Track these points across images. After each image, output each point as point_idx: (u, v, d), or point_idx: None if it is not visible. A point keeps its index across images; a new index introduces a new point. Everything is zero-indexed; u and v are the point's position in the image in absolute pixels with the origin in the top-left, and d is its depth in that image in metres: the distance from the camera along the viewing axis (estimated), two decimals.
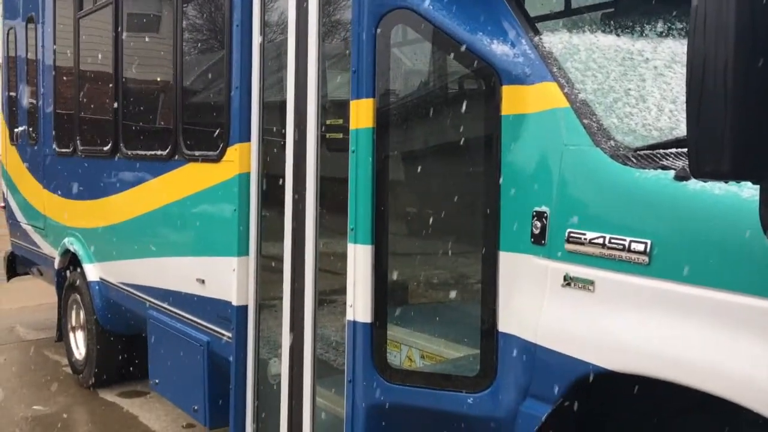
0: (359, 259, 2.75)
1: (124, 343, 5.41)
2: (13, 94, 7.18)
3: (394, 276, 2.79)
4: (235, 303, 3.56)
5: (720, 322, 1.91)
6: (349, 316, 2.79)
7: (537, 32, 2.62)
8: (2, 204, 7.76)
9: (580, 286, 2.30)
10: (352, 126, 2.77)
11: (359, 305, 2.75)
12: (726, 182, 1.48)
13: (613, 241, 2.21)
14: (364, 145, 2.73)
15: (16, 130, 6.99)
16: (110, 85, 4.91)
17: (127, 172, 4.78)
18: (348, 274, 2.80)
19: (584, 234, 2.28)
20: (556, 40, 2.62)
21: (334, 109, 3.18)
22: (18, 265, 7.39)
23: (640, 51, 2.70)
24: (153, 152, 4.39)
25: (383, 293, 2.73)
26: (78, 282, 5.63)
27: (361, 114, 2.73)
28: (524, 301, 2.46)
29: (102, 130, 5.11)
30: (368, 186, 2.72)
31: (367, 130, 2.72)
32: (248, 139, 3.52)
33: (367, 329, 2.75)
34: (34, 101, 6.46)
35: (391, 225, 2.75)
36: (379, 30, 2.69)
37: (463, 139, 2.70)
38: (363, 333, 2.75)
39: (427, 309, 3.02)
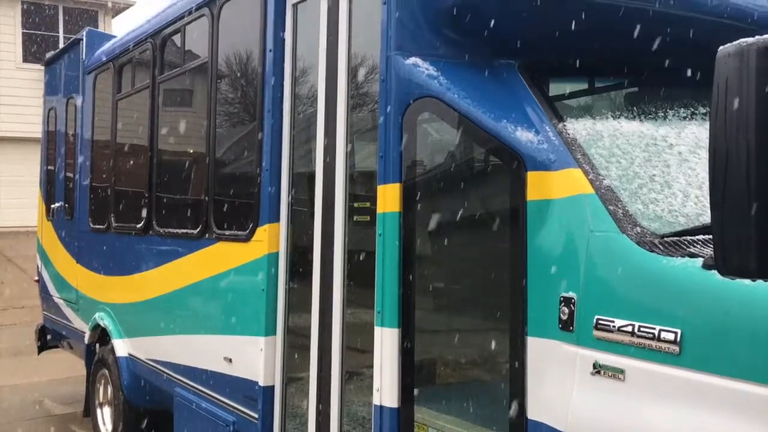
0: (386, 342, 2.74)
1: (151, 420, 5.38)
2: (51, 167, 7.43)
3: (422, 360, 2.77)
4: (261, 383, 3.56)
5: (753, 416, 1.86)
6: (376, 400, 2.77)
7: (560, 119, 2.67)
8: (36, 278, 7.91)
9: (610, 374, 2.27)
10: (379, 210, 2.82)
11: (386, 390, 2.74)
12: (754, 280, 1.47)
13: (642, 329, 2.18)
14: (391, 229, 2.77)
15: (52, 206, 7.19)
16: (144, 165, 5.06)
17: (158, 249, 4.87)
18: (375, 357, 2.79)
19: (613, 321, 2.26)
20: (579, 127, 2.66)
21: (362, 181, 3.22)
22: (49, 338, 7.47)
23: (663, 136, 2.73)
24: (184, 230, 4.48)
25: (410, 378, 2.72)
26: (107, 357, 5.66)
27: (388, 198, 2.78)
28: (554, 388, 2.42)
29: (136, 207, 5.24)
30: (395, 269, 2.74)
31: (394, 215, 2.76)
32: (277, 220, 3.59)
33: (393, 414, 2.72)
34: (72, 175, 6.67)
35: (418, 308, 2.75)
36: (405, 117, 2.76)
37: (489, 224, 2.73)
38: (390, 418, 2.72)
39: (455, 392, 2.98)
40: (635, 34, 2.88)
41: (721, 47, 1.49)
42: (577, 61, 2.90)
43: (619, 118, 2.78)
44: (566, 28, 2.81)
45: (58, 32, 23.58)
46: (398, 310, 2.73)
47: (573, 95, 3.04)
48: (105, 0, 24.81)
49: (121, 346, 5.42)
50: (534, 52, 2.84)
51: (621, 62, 2.97)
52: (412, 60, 2.79)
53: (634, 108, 2.89)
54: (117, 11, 25.05)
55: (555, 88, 2.92)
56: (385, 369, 2.74)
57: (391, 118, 2.79)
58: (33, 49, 22.31)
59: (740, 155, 1.41)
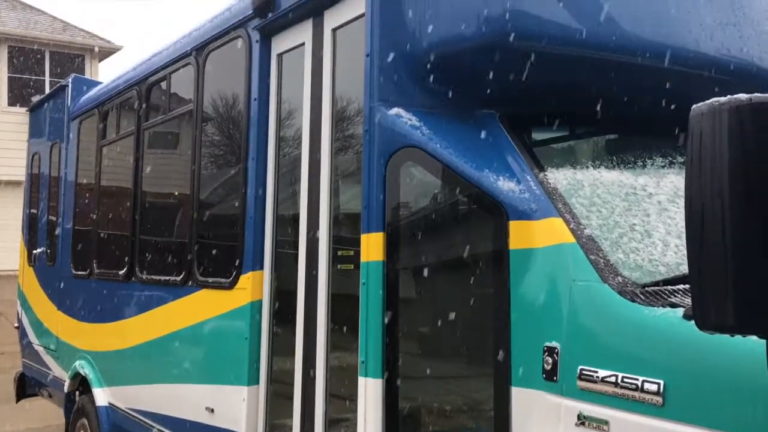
0: (370, 393, 2.72)
1: None
2: (34, 211, 7.38)
3: (407, 410, 2.74)
4: None
5: None
6: None
7: (541, 168, 2.71)
8: (16, 324, 7.80)
9: (594, 425, 2.25)
10: (363, 259, 2.82)
11: None
12: (732, 335, 1.49)
13: (626, 380, 2.18)
14: (375, 278, 2.76)
15: (34, 251, 7.12)
16: (128, 212, 5.05)
17: (140, 296, 4.82)
18: (358, 407, 2.76)
19: (596, 372, 2.26)
20: (560, 176, 2.70)
21: (347, 229, 3.22)
22: (28, 386, 7.33)
23: (643, 185, 2.77)
24: (167, 277, 4.45)
25: (394, 429, 2.68)
26: (87, 406, 5.56)
27: (372, 247, 2.79)
28: None
29: (118, 254, 5.21)
30: (379, 319, 2.73)
31: (378, 264, 2.76)
32: (261, 267, 3.58)
33: None
34: (54, 221, 6.62)
35: (402, 358, 2.74)
36: (388, 167, 2.79)
37: (473, 273, 2.73)
38: None
39: None
40: (614, 84, 2.95)
41: (694, 106, 1.53)
42: (558, 111, 2.95)
43: (599, 167, 2.82)
44: (545, 80, 2.87)
45: (44, 76, 23.67)
46: (382, 360, 2.71)
47: (554, 145, 3.08)
48: (92, 44, 24.99)
49: (102, 395, 5.32)
50: (515, 102, 2.89)
51: (600, 112, 3.02)
52: (395, 110, 2.83)
53: (614, 157, 2.93)
54: (104, 55, 25.21)
55: (536, 138, 2.96)
56: (369, 420, 2.71)
57: (374, 168, 2.81)
58: (19, 93, 22.35)
59: (715, 213, 1.43)
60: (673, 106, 3.04)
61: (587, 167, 2.79)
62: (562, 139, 3.10)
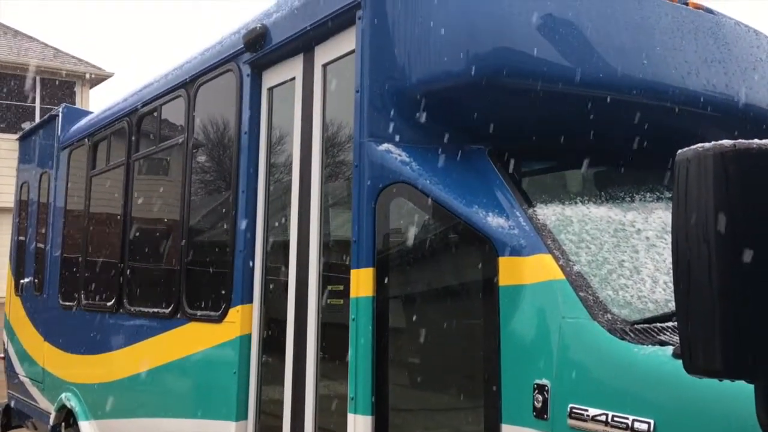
0: (359, 430, 2.70)
1: None
2: (22, 238, 7.33)
3: None
4: None
5: None
6: None
7: (530, 204, 2.72)
8: (2, 354, 7.70)
9: None
10: (353, 294, 2.82)
11: None
12: (720, 380, 1.49)
13: (616, 419, 2.17)
14: (364, 314, 2.76)
15: (22, 281, 7.06)
16: (117, 244, 5.03)
17: (129, 328, 4.78)
18: None
19: (587, 410, 2.25)
20: (549, 212, 2.71)
21: (337, 264, 3.21)
22: (13, 417, 7.22)
23: (632, 221, 2.79)
24: (156, 310, 4.42)
25: None
26: None
27: (362, 283, 2.78)
28: None
29: (106, 285, 5.17)
30: (368, 355, 2.72)
31: (367, 299, 2.76)
32: (250, 301, 3.56)
33: None
34: (42, 251, 6.58)
35: (392, 395, 2.72)
36: (378, 202, 2.80)
37: (463, 309, 2.73)
38: None
39: None
40: (602, 120, 2.98)
41: (679, 151, 1.55)
42: (546, 147, 2.98)
43: (588, 202, 2.84)
44: (534, 116, 2.90)
45: (34, 103, 23.68)
46: (371, 397, 2.69)
47: (543, 180, 3.10)
48: (83, 71, 25.05)
49: (88, 429, 5.24)
50: (504, 137, 2.91)
51: (589, 148, 3.05)
52: (385, 146, 2.84)
53: (603, 192, 2.95)
54: (95, 82, 25.27)
55: (525, 173, 2.98)
56: None
57: (364, 204, 2.82)
58: (9, 120, 22.33)
59: (701, 258, 1.44)
60: (660, 142, 3.08)
61: (576, 203, 2.80)
62: (551, 174, 3.12)
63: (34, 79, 24.15)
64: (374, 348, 2.71)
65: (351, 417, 2.74)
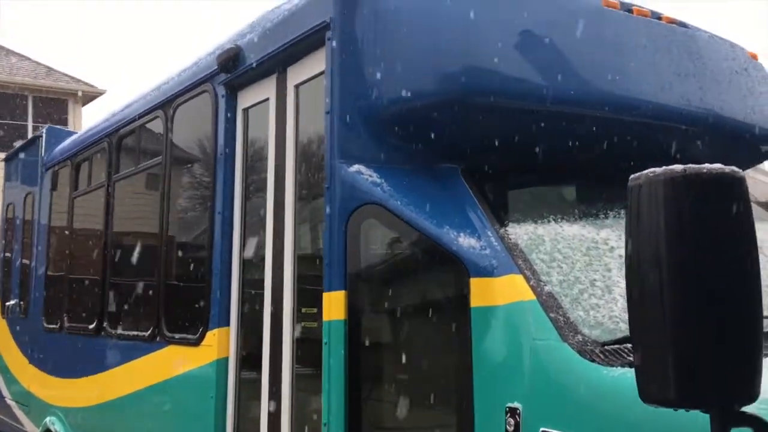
0: None
1: None
2: (8, 254, 7.28)
3: None
4: None
5: None
6: None
7: (503, 223, 2.70)
8: None
9: None
10: (325, 317, 2.79)
11: None
12: (675, 410, 1.47)
13: None
14: (337, 337, 2.73)
15: (7, 303, 7.01)
16: (98, 266, 4.99)
17: (109, 351, 4.74)
18: None
19: None
20: (521, 231, 2.69)
21: (312, 288, 3.18)
22: None
23: (604, 239, 2.76)
24: (135, 333, 4.38)
25: None
26: None
27: (333, 306, 2.75)
28: None
29: (88, 308, 5.13)
30: (341, 379, 2.68)
31: (339, 322, 2.73)
32: (227, 324, 3.52)
33: None
34: (28, 274, 6.54)
35: (365, 420, 2.69)
36: (349, 224, 2.77)
37: (435, 332, 2.70)
38: None
39: None
40: (575, 137, 2.96)
41: (632, 176, 1.53)
42: (519, 165, 2.96)
43: (561, 221, 2.81)
44: (506, 134, 2.88)
45: (26, 121, 23.68)
46: (345, 423, 2.65)
47: (515, 198, 3.08)
48: (75, 89, 25.05)
49: None
50: (476, 156, 2.89)
51: (563, 165, 3.03)
52: (356, 167, 2.82)
53: (576, 210, 2.93)
54: (88, 99, 25.27)
55: (498, 192, 2.96)
56: None
57: (335, 225, 2.80)
58: (1, 138, 22.29)
59: (654, 285, 1.42)
60: (634, 158, 3.06)
61: (549, 221, 2.78)
62: (524, 192, 3.10)
63: (26, 98, 24.15)
64: (347, 372, 2.68)
65: None
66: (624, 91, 3.02)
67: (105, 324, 4.82)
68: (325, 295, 2.80)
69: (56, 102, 24.81)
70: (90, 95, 24.98)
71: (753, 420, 1.44)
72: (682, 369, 1.39)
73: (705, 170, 1.43)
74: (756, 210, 3.97)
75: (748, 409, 1.44)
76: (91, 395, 4.94)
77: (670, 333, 1.39)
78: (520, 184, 3.06)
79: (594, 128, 2.98)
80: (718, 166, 1.46)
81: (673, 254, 1.41)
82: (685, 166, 1.46)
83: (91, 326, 4.99)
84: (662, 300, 1.41)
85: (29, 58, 26.17)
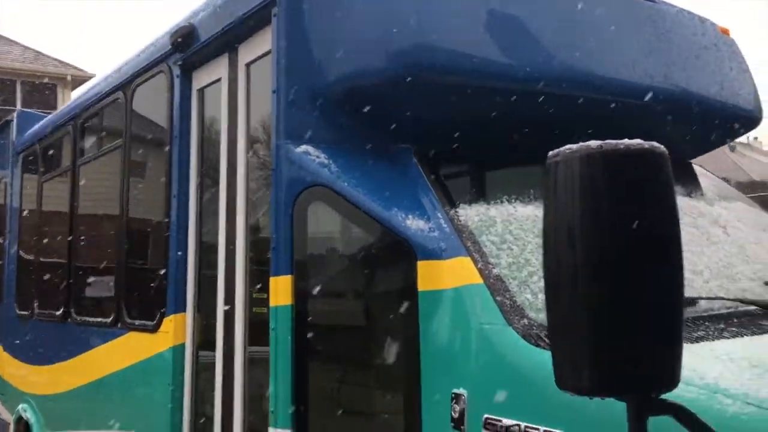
0: None
1: None
2: None
3: None
4: None
5: None
6: None
7: (454, 205, 2.62)
8: None
9: None
10: (272, 303, 2.71)
11: None
12: (590, 398, 1.40)
13: (528, 429, 2.08)
14: (283, 323, 2.65)
15: None
16: (65, 252, 4.92)
17: (75, 338, 4.67)
18: None
19: (500, 421, 2.16)
20: (472, 213, 2.61)
21: (264, 264, 3.10)
22: None
23: None
24: (98, 319, 4.31)
25: None
26: None
27: (280, 291, 2.68)
28: None
29: (56, 294, 5.07)
30: (287, 366, 2.61)
31: (286, 308, 2.66)
32: (184, 310, 3.45)
33: None
34: (2, 251, 6.47)
35: (312, 407, 2.62)
36: (295, 207, 2.69)
37: (384, 317, 2.63)
38: None
39: None
40: (532, 116, 2.87)
41: (550, 153, 1.45)
42: (474, 145, 2.87)
43: (514, 202, 2.73)
44: (460, 113, 2.79)
45: (15, 105, 23.46)
46: (291, 410, 2.59)
47: (469, 180, 3.00)
48: (64, 73, 24.85)
49: None
50: (430, 136, 2.80)
51: (520, 145, 2.94)
52: (303, 148, 2.73)
53: (531, 192, 2.84)
54: (76, 83, 25.02)
55: (451, 173, 2.88)
56: None
57: (282, 208, 2.71)
58: None
59: (568, 267, 1.34)
60: (596, 137, 2.96)
61: (502, 203, 2.70)
62: (478, 173, 3.02)
63: (15, 82, 23.95)
64: (293, 359, 2.61)
65: (271, 431, 2.63)
66: (584, 68, 2.93)
67: (71, 310, 4.75)
68: (272, 280, 2.72)
69: (45, 87, 24.61)
70: (79, 79, 24.73)
71: (672, 407, 1.37)
72: (596, 355, 1.31)
73: (623, 146, 1.35)
74: (729, 190, 3.90)
75: (668, 396, 1.37)
76: (59, 382, 4.89)
77: (584, 317, 1.32)
78: (474, 165, 2.98)
79: (552, 107, 2.88)
80: (637, 141, 1.37)
81: (588, 235, 1.33)
82: (603, 141, 1.37)
83: (58, 313, 4.93)
84: (577, 283, 1.33)
85: (17, 43, 25.93)
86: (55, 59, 25.56)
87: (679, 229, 1.36)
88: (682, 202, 3.16)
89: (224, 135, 3.29)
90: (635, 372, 1.31)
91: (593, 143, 1.37)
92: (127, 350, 3.92)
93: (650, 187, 1.35)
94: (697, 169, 3.78)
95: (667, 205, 1.35)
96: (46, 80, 24.46)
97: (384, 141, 2.81)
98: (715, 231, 3.00)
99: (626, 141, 1.37)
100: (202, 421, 3.35)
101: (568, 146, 1.41)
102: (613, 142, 1.37)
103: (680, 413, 1.37)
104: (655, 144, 1.38)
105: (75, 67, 25.18)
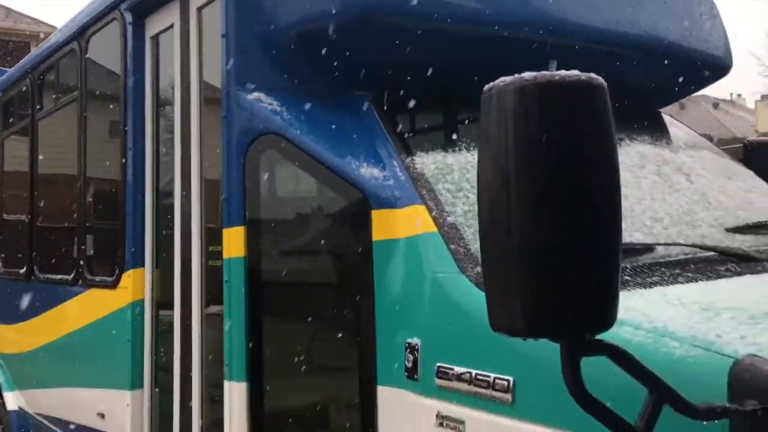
0: (234, 397, 2.56)
1: None
2: None
3: (272, 413, 2.60)
4: None
5: None
6: None
7: (410, 153, 2.55)
8: None
9: (452, 426, 2.13)
10: (225, 255, 2.65)
11: None
12: (524, 339, 1.35)
13: (479, 377, 2.05)
14: (237, 275, 2.60)
15: None
16: (27, 208, 4.82)
17: (39, 296, 4.60)
18: (224, 413, 2.61)
19: (453, 369, 2.13)
20: (429, 161, 2.54)
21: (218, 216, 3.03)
22: None
23: None
24: (60, 276, 4.24)
25: None
26: (0, 411, 5.33)
27: (233, 242, 2.61)
28: None
29: (20, 252, 4.98)
30: (242, 319, 2.57)
31: (239, 260, 2.60)
32: (142, 265, 3.38)
33: None
34: None
35: (268, 359, 2.58)
36: (247, 156, 2.61)
37: (338, 268, 2.58)
38: None
39: None
40: (493, 62, 2.78)
41: (486, 86, 1.38)
42: (434, 91, 2.78)
43: (472, 150, 2.66)
44: (419, 58, 2.70)
45: None
46: (246, 363, 2.55)
47: (428, 127, 2.93)
48: (37, 30, 24.26)
49: (12, 400, 5.10)
50: (388, 83, 2.71)
51: (477, 92, 2.86)
52: (255, 95, 2.64)
53: None
54: None
55: (410, 120, 2.80)
56: (234, 424, 2.55)
57: (233, 157, 2.63)
58: None
59: (502, 205, 1.28)
60: None
61: (460, 150, 2.63)
62: (437, 120, 2.94)
63: None
64: (248, 311, 2.56)
65: (227, 384, 2.60)
66: (546, 11, 2.83)
67: (35, 268, 4.67)
68: (225, 232, 2.65)
69: (17, 45, 24.05)
70: None
71: (606, 347, 1.33)
72: (529, 296, 1.26)
73: (558, 77, 1.28)
74: (698, 139, 3.85)
75: (615, 340, 1.33)
76: (26, 341, 4.83)
77: (517, 256, 1.26)
78: (432, 112, 2.90)
79: (513, 52, 2.79)
80: (574, 72, 1.30)
81: (521, 170, 1.27)
82: (537, 72, 1.30)
83: (22, 271, 4.84)
84: (509, 222, 1.27)
85: None
86: (28, 16, 24.93)
87: (616, 164, 1.30)
88: (646, 150, 3.14)
89: (178, 84, 3.18)
90: (568, 312, 1.26)
91: (528, 75, 1.31)
92: (88, 307, 3.86)
93: (587, 121, 1.28)
94: (666, 118, 3.72)
95: (604, 139, 1.29)
96: (18, 38, 23.88)
97: (339, 88, 2.72)
98: (678, 178, 2.96)
99: (562, 72, 1.30)
100: (162, 375, 3.31)
101: (502, 78, 1.34)
102: (549, 73, 1.30)
103: (614, 353, 1.33)
104: (593, 75, 1.31)
105: (48, 24, 24.56)
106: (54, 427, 4.36)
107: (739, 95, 62.74)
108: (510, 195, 1.28)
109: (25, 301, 4.85)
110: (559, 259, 1.26)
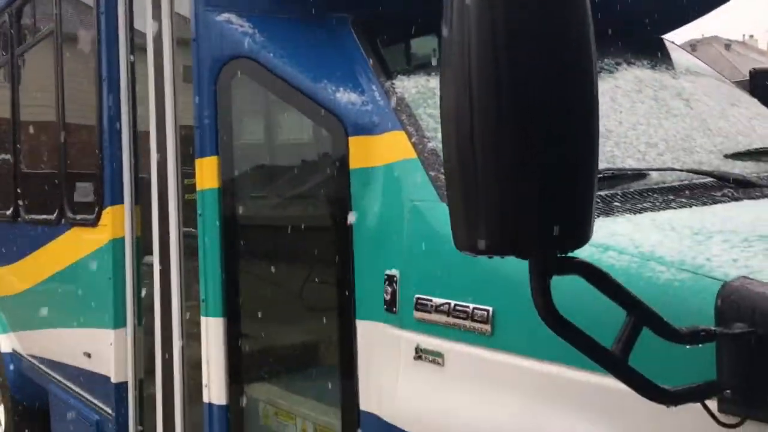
0: (211, 333, 2.49)
1: (40, 418, 5.07)
2: None
3: (249, 348, 2.52)
4: (113, 379, 3.28)
5: (562, 398, 1.66)
6: (205, 397, 2.52)
7: (391, 77, 2.40)
8: None
9: (430, 359, 2.04)
10: (198, 187, 2.54)
11: (214, 386, 2.48)
12: (490, 257, 1.24)
13: (458, 308, 1.96)
14: (211, 208, 2.49)
15: None
16: (10, 149, 4.71)
17: (26, 237, 4.53)
18: (202, 350, 2.53)
19: (431, 300, 2.03)
20: (410, 85, 2.40)
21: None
22: None
23: None
24: (44, 216, 4.15)
25: (238, 371, 2.47)
26: None
27: (206, 173, 2.50)
28: (383, 377, 2.19)
29: (6, 193, 4.89)
30: (216, 253, 2.47)
31: (213, 191, 2.48)
32: (121, 201, 3.28)
33: (222, 412, 2.47)
34: None
35: (244, 294, 2.49)
36: (218, 82, 2.47)
37: (315, 198, 2.47)
38: (219, 416, 2.48)
39: (290, 383, 2.74)
40: None
41: None
42: (416, 14, 2.61)
43: None
44: None
45: None
46: (222, 298, 2.46)
47: (412, 51, 2.77)
48: None
49: (5, 342, 5.09)
50: (369, 4, 2.55)
51: None
52: (225, 16, 2.48)
53: None
54: None
55: (391, 44, 2.64)
56: (211, 363, 2.48)
57: (204, 83, 2.49)
58: None
59: (464, 113, 1.15)
60: None
61: None
62: (421, 44, 2.78)
63: None
64: (223, 244, 2.46)
65: (203, 320, 2.52)
66: None
67: (20, 209, 4.59)
68: (197, 162, 2.53)
69: None
70: None
71: (576, 265, 1.22)
72: (494, 211, 1.14)
73: None
74: (701, 66, 3.67)
75: (578, 254, 1.22)
76: (17, 283, 4.79)
77: (480, 171, 1.14)
78: (415, 35, 2.73)
79: None
80: None
81: (484, 75, 1.13)
82: None
83: (9, 212, 4.76)
84: (472, 131, 1.14)
85: None
86: None
87: (594, 70, 1.16)
88: (644, 75, 2.97)
89: (149, 5, 3.01)
90: (539, 229, 1.15)
91: None
92: (72, 247, 3.78)
93: (560, 20, 1.14)
94: (668, 44, 3.54)
95: (581, 44, 1.15)
96: None
97: (318, 9, 2.56)
98: (676, 104, 2.80)
99: None
100: (148, 315, 3.24)
101: None
102: None
103: (587, 272, 1.21)
104: None
105: None
106: (46, 369, 4.34)
107: (752, 36, 61.48)
108: (473, 100, 1.15)
109: (14, 242, 4.79)
110: (525, 171, 1.14)
